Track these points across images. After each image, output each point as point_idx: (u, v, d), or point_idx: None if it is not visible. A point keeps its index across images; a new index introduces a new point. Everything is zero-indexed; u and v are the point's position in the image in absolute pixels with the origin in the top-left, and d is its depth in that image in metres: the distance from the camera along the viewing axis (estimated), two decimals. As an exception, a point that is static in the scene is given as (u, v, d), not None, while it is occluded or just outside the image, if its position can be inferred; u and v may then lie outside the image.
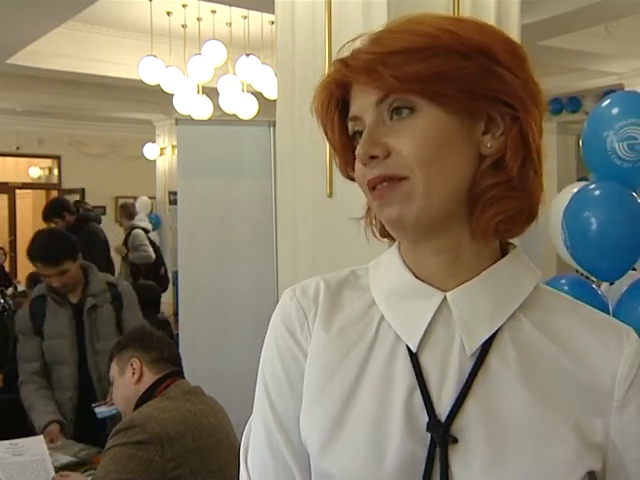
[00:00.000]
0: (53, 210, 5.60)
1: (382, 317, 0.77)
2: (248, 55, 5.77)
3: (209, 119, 6.17)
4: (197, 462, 1.87)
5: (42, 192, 11.67)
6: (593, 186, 2.34)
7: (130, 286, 3.16)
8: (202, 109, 6.25)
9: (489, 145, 0.72)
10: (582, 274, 2.64)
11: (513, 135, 0.72)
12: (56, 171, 11.28)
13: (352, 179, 0.79)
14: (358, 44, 0.74)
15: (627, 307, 2.28)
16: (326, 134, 0.79)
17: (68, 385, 2.89)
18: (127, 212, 7.66)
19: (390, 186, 0.71)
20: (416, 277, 0.76)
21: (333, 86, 0.75)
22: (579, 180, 4.69)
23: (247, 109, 6.18)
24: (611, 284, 2.37)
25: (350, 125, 0.76)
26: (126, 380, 2.09)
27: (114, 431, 1.88)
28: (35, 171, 11.61)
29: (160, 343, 2.16)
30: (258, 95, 6.16)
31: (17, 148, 10.55)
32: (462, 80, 0.69)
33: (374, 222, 0.82)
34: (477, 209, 0.73)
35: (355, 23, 2.19)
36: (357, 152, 0.73)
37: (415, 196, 0.71)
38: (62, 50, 6.81)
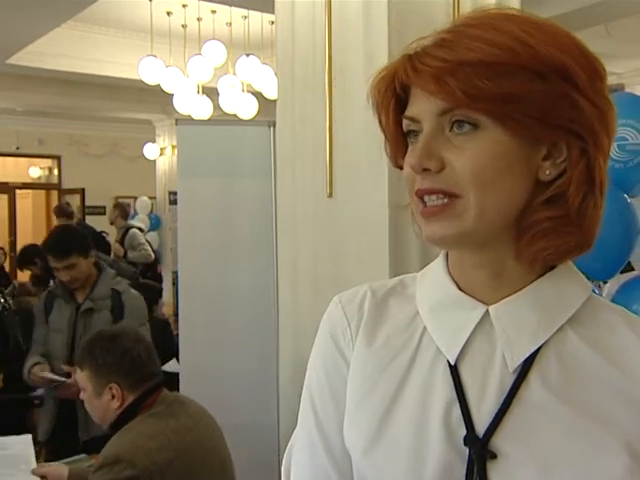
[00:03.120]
0: (23, 258, 5.76)
1: (425, 329, 0.76)
2: (248, 55, 5.78)
3: (209, 119, 6.17)
4: None
5: (42, 192, 11.68)
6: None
7: (138, 298, 3.09)
8: (202, 109, 6.26)
9: (548, 172, 0.69)
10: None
11: (579, 169, 0.68)
12: (56, 171, 11.29)
13: (400, 167, 0.76)
14: (427, 42, 0.69)
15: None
16: (380, 121, 0.77)
17: None
18: (124, 212, 7.66)
19: (444, 205, 0.68)
20: (460, 289, 0.75)
21: (395, 79, 0.72)
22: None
23: (247, 109, 6.19)
24: (604, 283, 2.38)
25: (405, 122, 0.73)
26: (103, 403, 2.01)
27: (98, 465, 1.81)
28: (35, 171, 11.62)
29: (140, 359, 2.03)
30: (258, 95, 6.16)
31: (17, 148, 10.56)
32: (534, 105, 0.65)
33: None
34: (526, 238, 0.70)
35: (355, 23, 2.19)
36: (410, 160, 0.70)
37: (465, 217, 0.68)
38: (62, 50, 6.82)
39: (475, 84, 0.65)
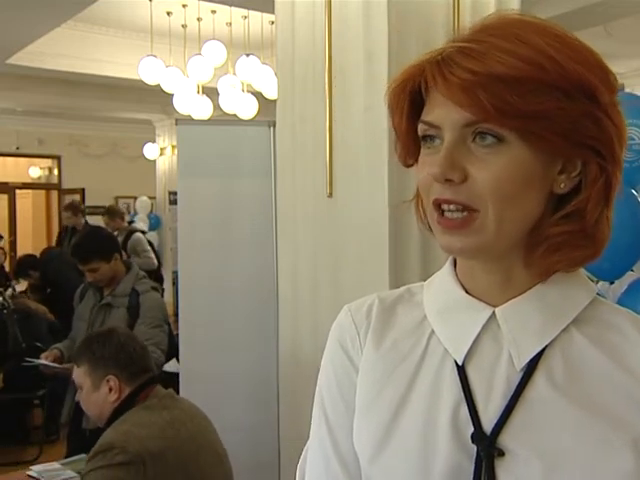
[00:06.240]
0: (19, 269, 5.90)
1: (432, 332, 0.77)
2: (248, 55, 5.78)
3: (209, 119, 6.17)
4: (180, 476, 1.83)
5: (42, 192, 11.69)
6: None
7: (154, 301, 3.17)
8: (202, 109, 6.26)
9: (562, 185, 0.70)
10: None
11: (598, 187, 0.69)
12: (56, 171, 11.30)
13: (409, 166, 0.77)
14: (451, 48, 0.68)
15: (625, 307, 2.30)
16: (392, 119, 0.76)
17: None
18: (122, 215, 7.60)
19: (463, 220, 0.69)
20: (468, 293, 0.76)
21: (420, 83, 0.71)
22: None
23: (247, 109, 6.19)
24: (611, 283, 2.37)
25: (422, 126, 0.72)
26: (101, 396, 2.02)
27: (92, 453, 1.81)
28: (35, 171, 11.63)
29: (135, 354, 2.07)
30: (258, 95, 6.17)
31: (17, 148, 10.57)
32: (560, 123, 0.66)
33: (422, 210, 0.77)
34: (539, 250, 0.71)
35: (355, 23, 2.19)
36: (432, 169, 0.69)
37: (484, 231, 0.69)
38: (62, 50, 6.82)
39: (506, 99, 0.65)
